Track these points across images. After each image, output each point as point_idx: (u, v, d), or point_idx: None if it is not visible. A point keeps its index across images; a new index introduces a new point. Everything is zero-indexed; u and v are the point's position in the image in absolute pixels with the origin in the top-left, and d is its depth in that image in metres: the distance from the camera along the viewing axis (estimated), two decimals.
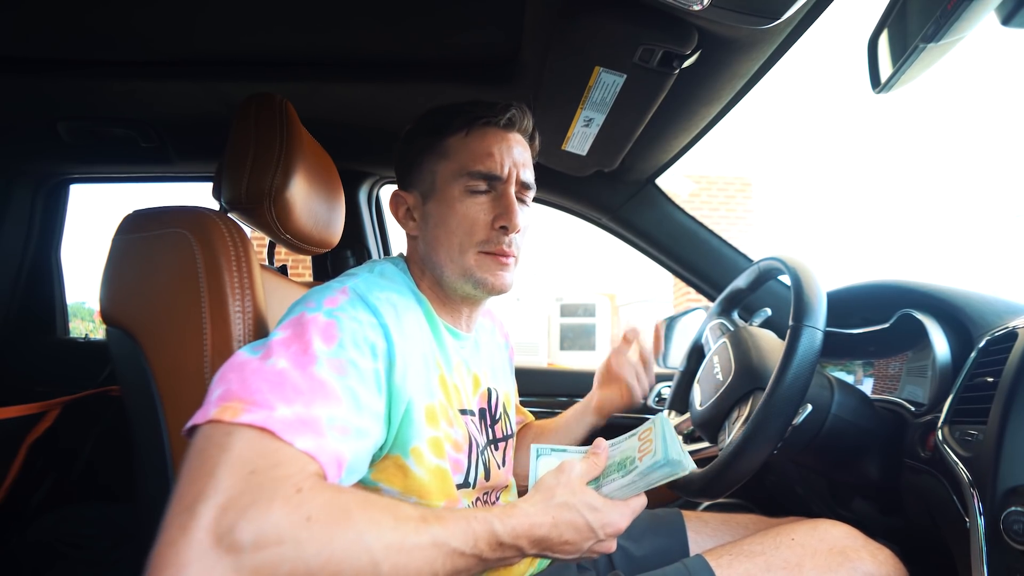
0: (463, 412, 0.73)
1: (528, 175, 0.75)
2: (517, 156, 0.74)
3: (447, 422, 0.68)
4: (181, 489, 0.44)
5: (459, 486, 0.69)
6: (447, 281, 0.73)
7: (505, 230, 0.71)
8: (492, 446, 0.80)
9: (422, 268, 0.76)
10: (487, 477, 0.75)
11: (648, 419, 0.67)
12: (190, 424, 0.49)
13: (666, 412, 1.14)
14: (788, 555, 0.70)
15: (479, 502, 0.74)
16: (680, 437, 0.68)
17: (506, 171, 0.72)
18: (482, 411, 0.79)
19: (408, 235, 0.79)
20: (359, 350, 0.58)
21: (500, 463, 0.81)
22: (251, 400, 0.48)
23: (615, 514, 0.60)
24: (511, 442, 0.87)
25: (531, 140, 0.79)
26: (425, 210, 0.75)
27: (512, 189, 0.72)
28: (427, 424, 0.64)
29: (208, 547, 0.40)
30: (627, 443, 0.66)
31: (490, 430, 0.80)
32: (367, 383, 0.57)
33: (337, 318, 0.59)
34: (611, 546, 0.61)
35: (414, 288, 0.74)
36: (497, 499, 0.80)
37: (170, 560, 0.40)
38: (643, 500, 0.63)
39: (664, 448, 0.60)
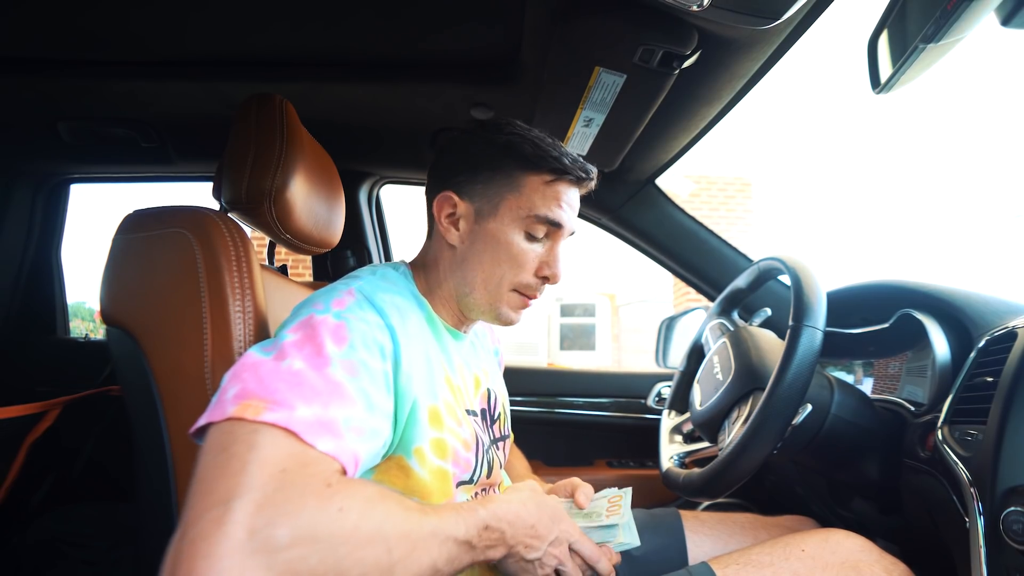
0: (468, 412, 0.73)
1: (576, 224, 0.77)
2: (575, 211, 0.75)
3: (455, 422, 0.68)
4: (208, 484, 0.44)
5: (462, 483, 0.70)
6: (468, 300, 0.74)
7: (546, 280, 0.73)
8: (494, 445, 0.80)
9: (442, 275, 0.75)
10: (489, 475, 0.76)
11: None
12: (204, 421, 0.49)
13: (666, 412, 1.15)
14: (798, 567, 0.68)
15: (477, 496, 0.74)
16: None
17: (566, 224, 0.73)
18: (483, 411, 0.79)
19: (442, 238, 0.75)
20: (369, 351, 0.58)
21: (501, 462, 0.82)
22: (271, 399, 0.49)
23: (570, 525, 0.67)
24: (508, 441, 0.88)
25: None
26: (476, 228, 0.72)
27: (562, 242, 0.75)
28: (430, 425, 0.65)
29: (243, 542, 0.40)
30: (595, 503, 0.76)
31: (491, 430, 0.80)
32: (377, 384, 0.58)
33: (346, 319, 0.59)
34: (564, 552, 0.65)
35: (415, 292, 0.74)
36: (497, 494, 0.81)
37: (204, 553, 0.39)
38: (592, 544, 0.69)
39: (631, 521, 0.72)
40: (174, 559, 0.40)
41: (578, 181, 0.74)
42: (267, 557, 0.40)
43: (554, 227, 0.72)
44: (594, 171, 0.75)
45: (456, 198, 0.73)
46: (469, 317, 0.77)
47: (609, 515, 0.73)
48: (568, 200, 0.73)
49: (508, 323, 0.76)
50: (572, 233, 0.76)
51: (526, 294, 0.74)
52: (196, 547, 0.40)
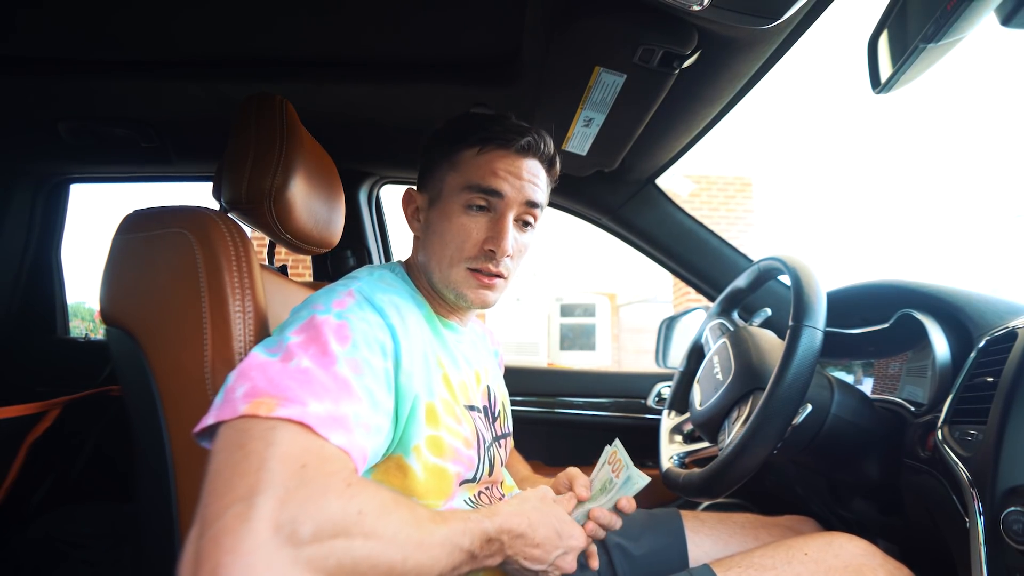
0: (470, 408, 0.74)
1: (537, 194, 0.73)
2: (526, 180, 0.72)
3: (454, 420, 0.69)
4: (227, 481, 0.44)
5: (464, 482, 0.70)
6: (436, 286, 0.75)
7: (493, 253, 0.71)
8: (495, 443, 0.80)
9: (419, 268, 0.77)
10: (491, 472, 0.76)
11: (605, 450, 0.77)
12: (212, 420, 0.49)
13: (666, 412, 1.15)
14: (800, 571, 0.68)
15: (482, 495, 0.74)
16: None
17: (508, 192, 0.71)
18: (485, 408, 0.80)
19: (413, 234, 0.80)
20: (371, 350, 0.59)
21: (502, 459, 0.83)
22: (283, 396, 0.49)
23: (577, 530, 0.67)
24: (509, 439, 0.88)
25: (550, 165, 0.77)
26: (428, 215, 0.76)
27: (511, 212, 0.72)
28: (427, 423, 0.65)
29: (268, 537, 0.40)
30: (601, 472, 0.76)
31: (492, 427, 0.81)
32: (380, 382, 0.59)
33: (347, 319, 0.60)
34: (571, 563, 0.65)
35: (413, 291, 0.75)
36: (502, 495, 0.81)
37: (229, 548, 0.39)
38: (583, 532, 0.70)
39: (630, 463, 0.73)
40: (196, 556, 0.40)
41: (508, 145, 0.71)
42: (293, 551, 0.41)
43: (493, 196, 0.71)
44: (539, 137, 0.73)
45: (416, 193, 0.79)
46: (450, 302, 0.76)
47: (618, 474, 0.73)
48: (507, 168, 0.71)
49: (474, 303, 0.74)
50: (532, 205, 0.73)
51: (478, 269, 0.72)
52: (220, 542, 0.40)
